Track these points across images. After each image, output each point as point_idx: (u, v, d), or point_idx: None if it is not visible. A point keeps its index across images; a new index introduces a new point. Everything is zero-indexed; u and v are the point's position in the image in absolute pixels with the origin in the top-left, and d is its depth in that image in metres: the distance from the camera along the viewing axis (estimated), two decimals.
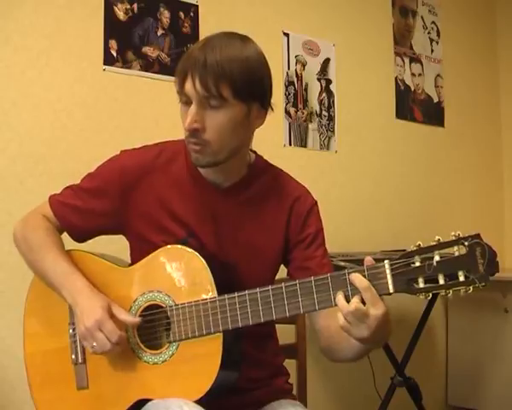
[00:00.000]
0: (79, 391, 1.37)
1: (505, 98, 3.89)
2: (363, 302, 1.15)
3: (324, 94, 3.03)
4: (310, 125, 2.97)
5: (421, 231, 3.20)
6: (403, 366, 2.78)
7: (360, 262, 1.19)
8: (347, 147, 3.11)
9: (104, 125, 2.34)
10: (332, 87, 3.06)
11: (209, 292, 1.29)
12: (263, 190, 1.47)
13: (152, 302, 1.34)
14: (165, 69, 2.48)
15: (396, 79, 3.36)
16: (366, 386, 2.86)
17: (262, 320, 1.25)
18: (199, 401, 1.24)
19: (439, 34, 3.59)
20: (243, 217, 1.44)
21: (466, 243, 1.11)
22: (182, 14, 2.56)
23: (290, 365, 1.67)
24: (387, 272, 1.15)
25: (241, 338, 1.31)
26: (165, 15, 2.52)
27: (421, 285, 1.14)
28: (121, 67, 2.39)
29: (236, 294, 1.26)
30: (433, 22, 3.57)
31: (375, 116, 3.25)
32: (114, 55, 2.37)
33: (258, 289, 1.25)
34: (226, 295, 1.27)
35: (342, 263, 2.28)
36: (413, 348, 2.86)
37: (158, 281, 1.34)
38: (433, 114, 3.54)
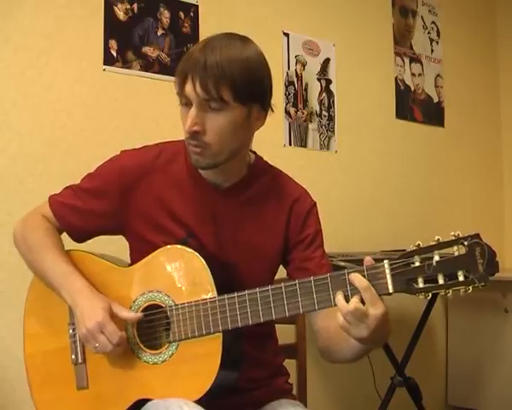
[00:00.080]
0: (79, 391, 1.37)
1: (505, 98, 3.89)
2: (363, 302, 1.15)
3: (324, 94, 3.03)
4: (310, 125, 2.97)
5: (421, 231, 3.20)
6: (403, 366, 2.78)
7: (360, 262, 1.19)
8: (347, 147, 3.11)
9: (104, 125, 2.34)
10: (332, 87, 3.06)
11: (209, 292, 1.29)
12: (262, 190, 1.47)
13: (152, 302, 1.34)
14: (165, 69, 2.48)
15: (396, 79, 3.36)
16: (366, 386, 2.86)
17: (261, 320, 1.25)
18: (199, 401, 1.24)
19: (439, 34, 3.59)
20: (243, 217, 1.44)
21: (465, 243, 1.11)
22: (182, 14, 2.56)
23: (290, 365, 1.67)
24: (387, 272, 1.15)
25: (241, 338, 1.32)
26: (165, 15, 2.52)
27: (421, 285, 1.14)
28: (121, 67, 2.39)
29: (236, 294, 1.26)
30: (433, 22, 3.57)
31: (375, 116, 3.25)
32: (114, 55, 2.37)
33: (257, 290, 1.25)
34: (226, 296, 1.27)
35: (342, 263, 2.28)
36: (413, 348, 2.85)
37: (158, 281, 1.34)
38: (433, 114, 3.54)
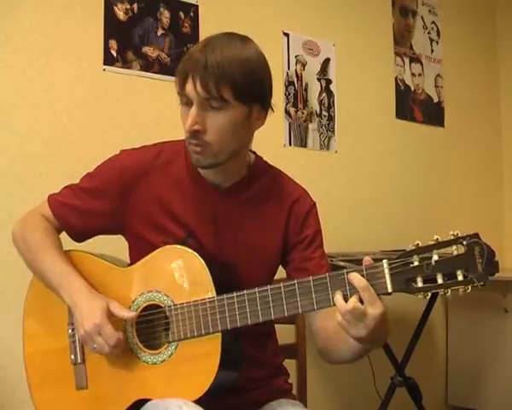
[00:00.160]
0: (79, 391, 1.37)
1: (505, 98, 3.89)
2: (362, 302, 1.15)
3: (324, 94, 3.03)
4: (310, 125, 2.97)
5: (421, 231, 3.20)
6: (403, 365, 2.78)
7: (360, 262, 1.19)
8: (347, 147, 3.11)
9: (104, 125, 2.34)
10: (332, 87, 3.06)
11: (208, 292, 1.29)
12: (262, 190, 1.47)
13: (151, 302, 1.34)
14: (165, 69, 2.48)
15: (396, 79, 3.36)
16: (366, 386, 2.86)
17: (261, 320, 1.25)
18: (198, 401, 1.24)
19: (439, 34, 3.59)
20: (243, 217, 1.44)
21: (464, 243, 1.11)
22: (182, 14, 2.56)
23: (290, 365, 1.67)
24: (386, 271, 1.15)
25: (241, 338, 1.32)
26: (165, 15, 2.52)
27: (420, 285, 1.14)
28: (121, 67, 2.39)
29: (235, 294, 1.26)
30: (433, 22, 3.57)
31: (375, 116, 3.25)
32: (114, 55, 2.37)
33: (256, 289, 1.25)
34: (225, 296, 1.27)
35: (342, 263, 2.28)
36: (413, 348, 2.85)
37: (157, 281, 1.34)
38: (433, 114, 3.54)
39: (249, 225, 1.44)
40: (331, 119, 3.05)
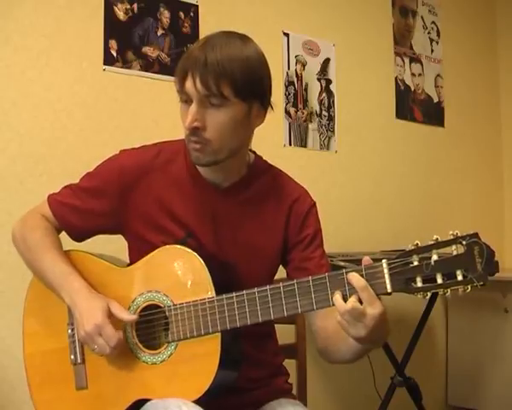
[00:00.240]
0: (78, 391, 1.37)
1: (505, 98, 3.89)
2: (361, 302, 1.15)
3: (324, 94, 3.03)
4: (310, 125, 2.97)
5: (422, 231, 3.20)
6: (403, 365, 2.78)
7: (359, 262, 1.19)
8: (347, 147, 3.11)
9: (104, 125, 2.34)
10: (332, 87, 3.06)
11: (207, 292, 1.29)
12: (262, 190, 1.47)
13: (150, 302, 1.34)
14: (165, 69, 2.48)
15: (396, 79, 3.36)
16: (366, 386, 2.86)
17: (260, 320, 1.25)
18: (198, 401, 1.24)
19: (439, 34, 3.59)
20: (243, 217, 1.44)
21: (464, 242, 1.11)
22: (182, 14, 2.56)
23: (290, 365, 1.67)
24: (385, 271, 1.15)
25: (240, 338, 1.32)
26: (165, 15, 2.52)
27: (419, 285, 1.14)
28: (121, 67, 2.39)
29: (234, 294, 1.26)
30: (433, 22, 3.57)
31: (375, 116, 3.25)
32: (114, 55, 2.37)
33: (256, 289, 1.25)
34: (224, 296, 1.27)
35: (342, 263, 2.28)
36: (413, 348, 2.85)
37: (156, 281, 1.34)
38: (433, 114, 3.54)
39: (249, 224, 1.44)
40: (331, 119, 3.05)
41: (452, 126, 3.62)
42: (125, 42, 2.40)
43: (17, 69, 2.17)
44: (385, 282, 1.15)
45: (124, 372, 1.33)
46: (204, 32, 2.54)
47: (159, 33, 2.50)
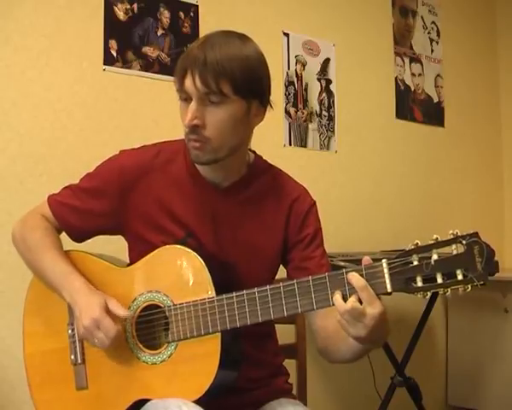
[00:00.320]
0: (79, 391, 1.37)
1: (505, 98, 3.89)
2: (361, 302, 1.15)
3: (324, 94, 3.03)
4: (310, 125, 2.97)
5: (422, 231, 3.20)
6: (403, 365, 2.78)
7: (359, 262, 1.19)
8: (347, 147, 3.11)
9: (104, 125, 2.34)
10: (332, 87, 3.06)
11: (208, 292, 1.29)
12: (262, 189, 1.47)
13: (150, 302, 1.34)
14: (165, 69, 2.48)
15: (396, 79, 3.36)
16: (366, 386, 2.86)
17: (260, 320, 1.25)
18: (198, 401, 1.24)
19: (439, 34, 3.59)
20: (243, 216, 1.44)
21: (464, 242, 1.11)
22: (182, 14, 2.56)
23: (290, 365, 1.67)
24: (385, 271, 1.15)
25: (240, 338, 1.32)
26: (165, 15, 2.52)
27: (420, 284, 1.14)
28: (121, 67, 2.39)
29: (234, 294, 1.26)
30: (433, 22, 3.57)
31: (375, 116, 3.25)
32: (114, 55, 2.37)
33: (256, 289, 1.25)
34: (224, 295, 1.27)
35: (342, 263, 2.28)
36: (413, 348, 2.85)
37: (156, 281, 1.34)
38: (433, 114, 3.54)
39: (249, 224, 1.44)
40: (331, 119, 3.05)
41: (452, 126, 3.62)
42: (125, 42, 2.40)
43: (17, 69, 2.17)
44: (385, 282, 1.15)
45: (124, 372, 1.33)
46: (204, 32, 2.50)
47: (159, 33, 2.50)
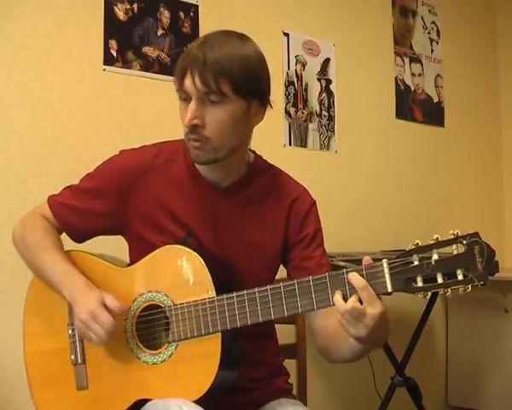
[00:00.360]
0: (79, 392, 1.37)
1: (505, 98, 3.89)
2: (361, 302, 1.15)
3: (324, 94, 3.03)
4: (310, 125, 2.97)
5: (422, 231, 3.20)
6: (403, 365, 2.78)
7: (360, 262, 1.19)
8: (347, 147, 3.11)
9: (104, 125, 2.34)
10: (332, 87, 3.06)
11: (208, 292, 1.29)
12: (262, 189, 1.47)
13: (151, 302, 1.34)
14: (165, 69, 2.48)
15: (396, 79, 3.36)
16: (366, 386, 2.86)
17: (260, 320, 1.25)
18: (198, 401, 1.24)
19: (439, 34, 3.59)
20: (243, 216, 1.44)
21: (464, 242, 1.11)
22: (182, 14, 2.56)
23: (290, 365, 1.67)
24: (385, 271, 1.15)
25: (241, 338, 1.31)
26: (165, 15, 2.52)
27: (420, 284, 1.14)
28: (121, 67, 2.39)
29: (235, 294, 1.26)
30: (433, 22, 3.57)
31: (375, 116, 3.25)
32: (114, 55, 2.37)
33: (256, 289, 1.25)
34: (225, 295, 1.27)
35: (342, 263, 2.28)
36: (413, 348, 2.85)
37: (157, 281, 1.34)
38: (433, 114, 3.54)
39: (249, 224, 1.44)
40: (331, 119, 3.05)
41: (452, 126, 3.62)
42: (125, 42, 2.40)
43: (17, 69, 2.17)
44: (385, 281, 1.15)
45: (124, 372, 1.33)
46: (204, 32, 2.49)
47: (159, 33, 2.50)
